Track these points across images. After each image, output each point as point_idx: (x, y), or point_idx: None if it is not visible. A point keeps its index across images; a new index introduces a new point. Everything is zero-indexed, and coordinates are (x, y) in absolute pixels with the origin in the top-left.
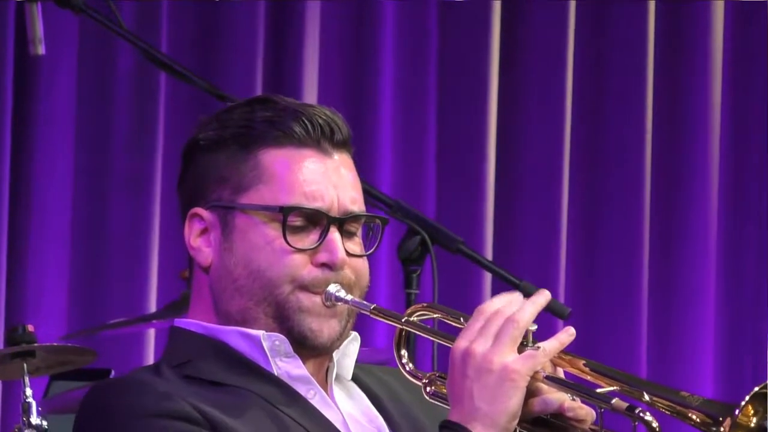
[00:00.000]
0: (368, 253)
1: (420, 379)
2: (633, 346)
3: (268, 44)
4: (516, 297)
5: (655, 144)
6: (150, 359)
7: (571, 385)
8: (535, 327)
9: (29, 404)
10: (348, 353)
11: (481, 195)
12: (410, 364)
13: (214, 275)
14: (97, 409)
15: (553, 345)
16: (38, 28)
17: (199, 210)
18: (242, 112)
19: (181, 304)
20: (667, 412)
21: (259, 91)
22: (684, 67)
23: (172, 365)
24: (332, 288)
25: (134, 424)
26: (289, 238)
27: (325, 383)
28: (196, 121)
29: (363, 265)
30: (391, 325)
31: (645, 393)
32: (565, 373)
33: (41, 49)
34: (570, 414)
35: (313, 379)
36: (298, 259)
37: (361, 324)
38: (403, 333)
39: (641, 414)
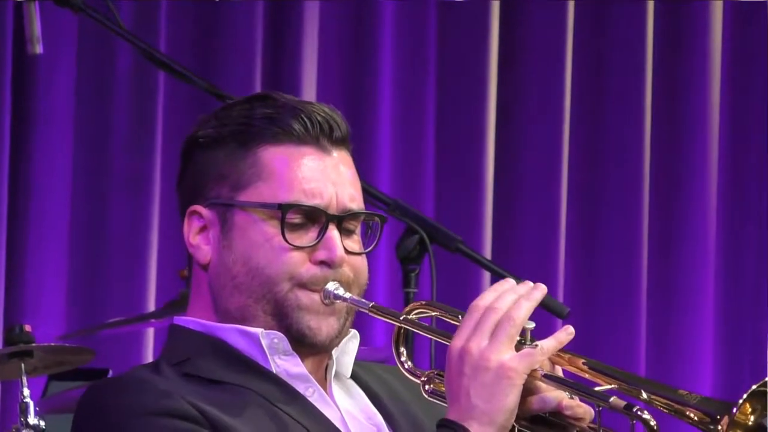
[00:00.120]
0: (367, 251)
1: (419, 377)
2: (632, 345)
3: (267, 44)
4: (508, 286)
5: (655, 144)
6: (149, 358)
7: (569, 383)
8: (533, 325)
9: (27, 404)
10: (347, 351)
11: (480, 194)
12: (409, 362)
13: (213, 273)
14: (95, 407)
15: (551, 344)
16: (36, 27)
17: (198, 207)
18: (241, 110)
19: (180, 304)
20: (665, 410)
21: (258, 91)
22: (683, 67)
23: (172, 363)
24: (331, 286)
25: (133, 422)
26: (287, 236)
27: (324, 381)
28: (196, 120)
29: (362, 263)
30: (390, 323)
31: (643, 391)
32: (564, 371)
33: (39, 48)
34: (568, 412)
35: (311, 377)
36: (297, 256)
37: (359, 322)
38: (402, 331)
39: (639, 412)
